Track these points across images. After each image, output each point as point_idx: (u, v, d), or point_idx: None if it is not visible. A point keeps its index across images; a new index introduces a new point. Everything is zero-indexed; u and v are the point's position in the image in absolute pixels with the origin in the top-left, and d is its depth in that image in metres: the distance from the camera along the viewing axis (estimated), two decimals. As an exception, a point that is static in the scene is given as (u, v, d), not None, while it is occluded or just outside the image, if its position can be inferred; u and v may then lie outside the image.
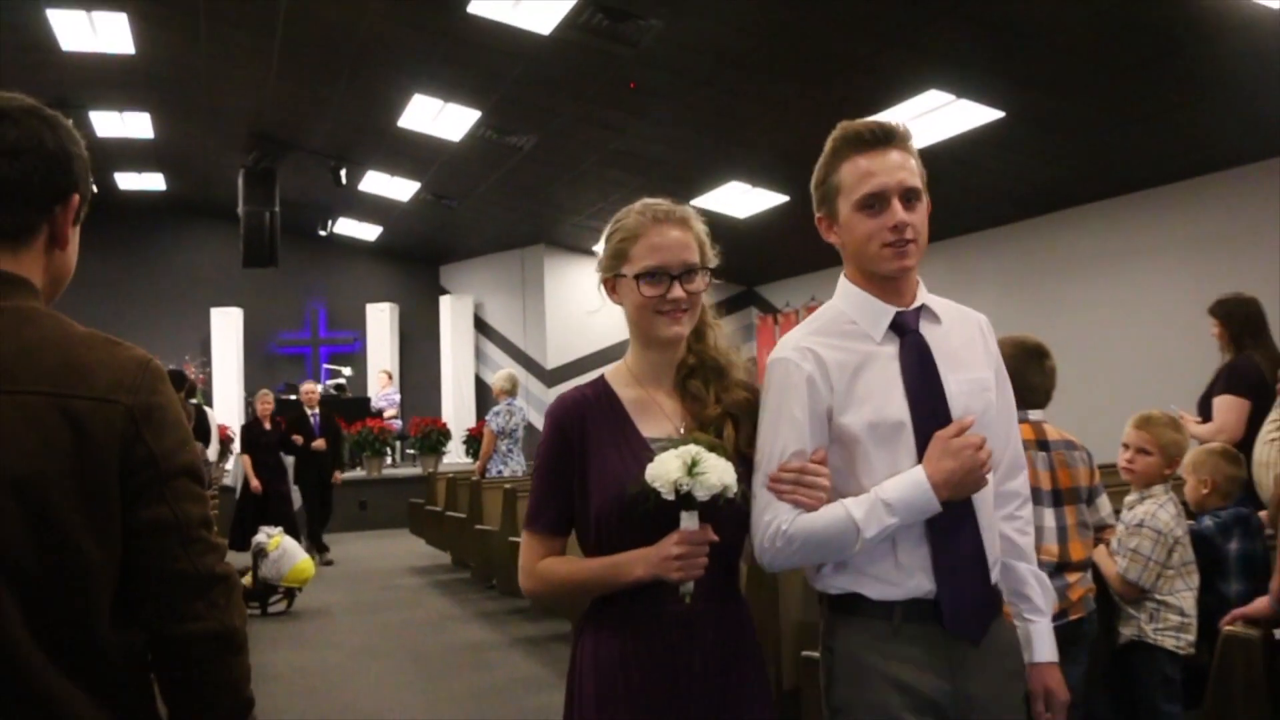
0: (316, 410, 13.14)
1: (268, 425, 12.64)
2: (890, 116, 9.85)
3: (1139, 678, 4.26)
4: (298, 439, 12.73)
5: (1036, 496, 3.95)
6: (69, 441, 1.73)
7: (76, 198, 1.96)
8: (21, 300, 1.83)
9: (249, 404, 18.96)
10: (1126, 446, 4.43)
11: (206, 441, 12.34)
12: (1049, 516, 4.00)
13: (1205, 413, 5.71)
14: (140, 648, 1.85)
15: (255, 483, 12.41)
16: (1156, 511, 4.28)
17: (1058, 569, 3.98)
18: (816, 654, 4.71)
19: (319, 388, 13.80)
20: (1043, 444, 4.10)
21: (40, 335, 1.80)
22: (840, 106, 10.75)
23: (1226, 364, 5.67)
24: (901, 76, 9.97)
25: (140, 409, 1.80)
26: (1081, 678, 4.11)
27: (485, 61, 11.34)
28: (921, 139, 10.90)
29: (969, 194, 12.68)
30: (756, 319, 19.46)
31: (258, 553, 10.27)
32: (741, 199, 14.55)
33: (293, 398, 16.87)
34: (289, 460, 13.08)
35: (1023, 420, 4.08)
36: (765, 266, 18.52)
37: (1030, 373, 4.11)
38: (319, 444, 12.87)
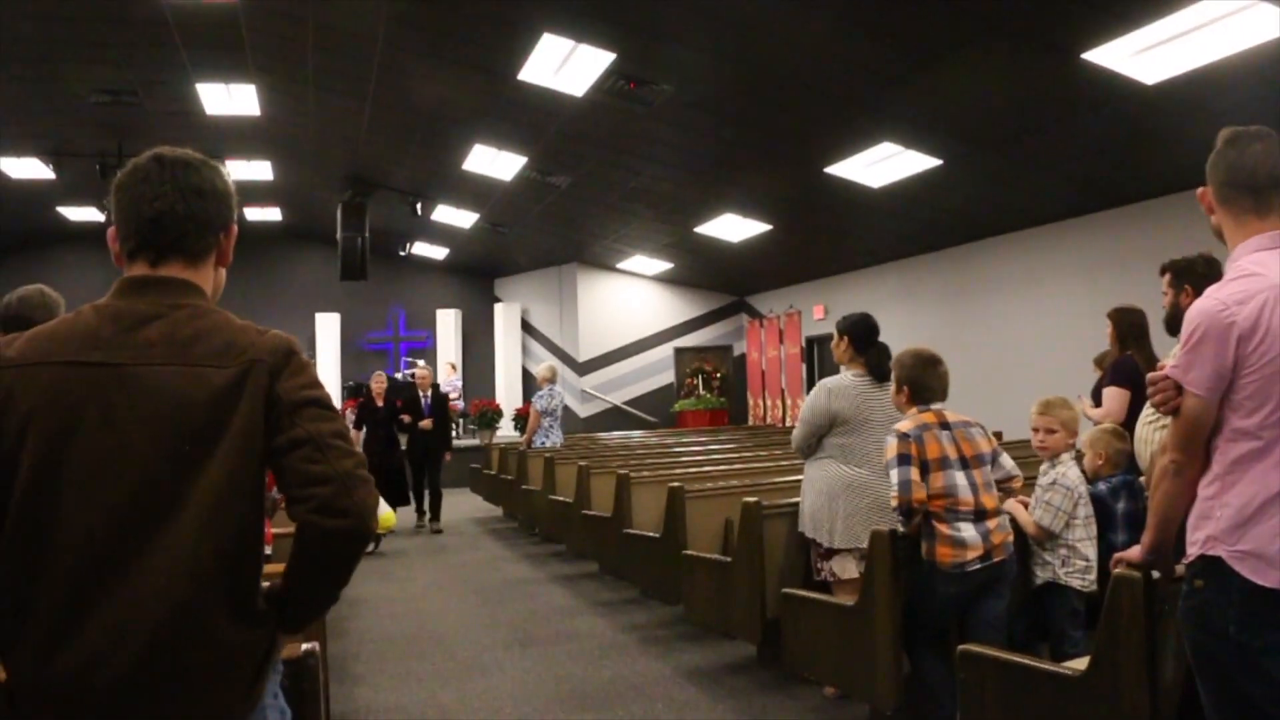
0: (428, 393, 12.00)
1: (380, 403, 11.60)
2: (850, 164, 9.88)
3: (1052, 611, 4.29)
4: (406, 418, 11.65)
5: (948, 463, 4.11)
6: (229, 397, 1.82)
7: (234, 227, 2.06)
8: (196, 300, 1.94)
9: (345, 388, 18.99)
10: (1036, 430, 4.45)
11: None
12: (961, 477, 4.11)
13: (1098, 400, 5.72)
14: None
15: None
16: (1066, 472, 4.36)
17: (976, 517, 4.06)
18: (795, 590, 4.78)
19: (428, 371, 12.62)
20: (944, 424, 4.23)
21: (209, 325, 1.89)
22: (813, 154, 10.76)
23: (1113, 361, 5.67)
24: (860, 132, 9.96)
25: (276, 366, 1.87)
26: (1004, 610, 4.14)
27: (531, 118, 11.33)
28: (877, 180, 10.94)
29: (915, 223, 12.66)
30: (746, 323, 19.42)
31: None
32: (734, 227, 14.53)
33: (411, 379, 16.85)
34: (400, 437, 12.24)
35: (924, 410, 4.26)
36: (752, 281, 18.48)
37: (927, 376, 4.33)
38: (426, 423, 11.73)
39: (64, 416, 1.79)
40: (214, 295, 2.03)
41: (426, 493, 12.00)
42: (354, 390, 17.92)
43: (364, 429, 11.53)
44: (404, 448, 11.71)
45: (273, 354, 1.89)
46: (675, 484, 6.49)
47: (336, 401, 18.54)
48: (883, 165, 10.63)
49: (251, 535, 1.87)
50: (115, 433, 1.78)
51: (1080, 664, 3.17)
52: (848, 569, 4.91)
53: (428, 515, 12.00)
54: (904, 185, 10.94)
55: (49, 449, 1.77)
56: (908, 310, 14.06)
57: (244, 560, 1.85)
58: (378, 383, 11.71)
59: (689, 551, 6.02)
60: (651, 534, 6.77)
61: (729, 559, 5.58)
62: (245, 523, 1.84)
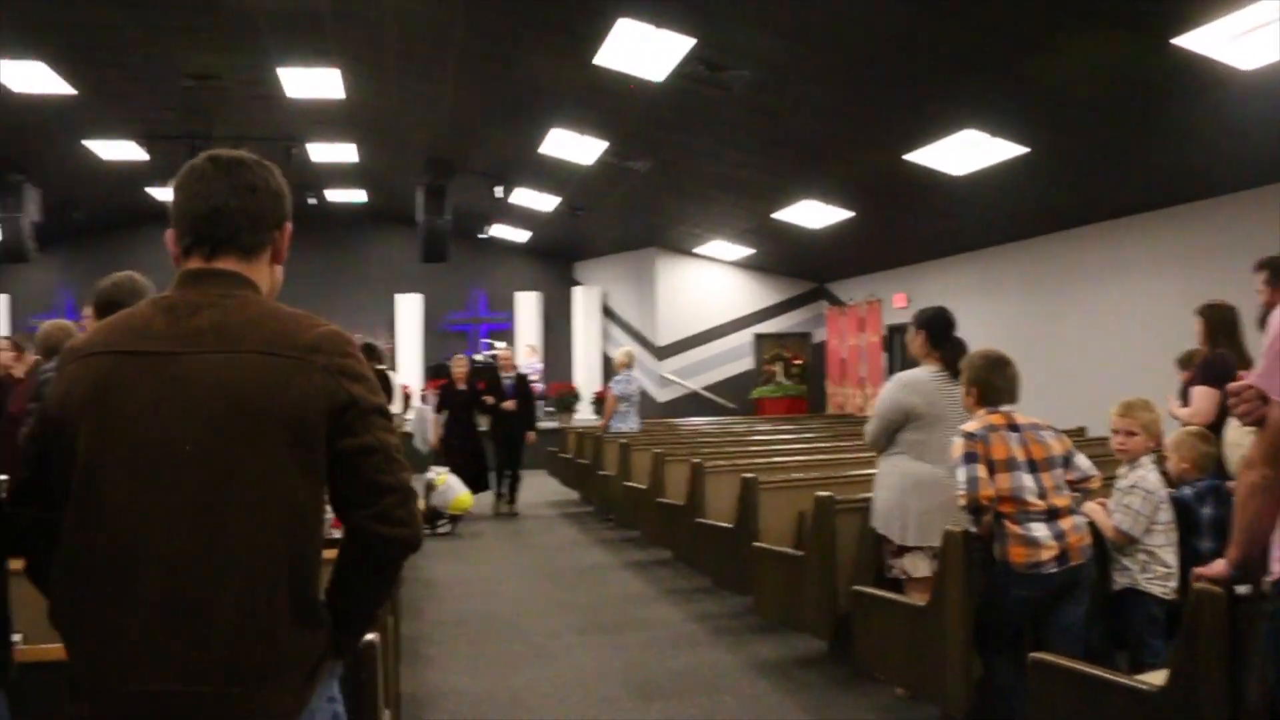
0: (512, 375, 11.80)
1: (462, 386, 11.40)
2: (932, 151, 9.68)
3: (1131, 618, 4.18)
4: (489, 399, 11.46)
5: (1015, 464, 4.05)
6: (277, 386, 1.83)
7: (289, 225, 2.09)
8: (249, 292, 1.96)
9: (427, 369, 19.21)
10: (1116, 432, 4.33)
11: (390, 398, 11.99)
12: (1029, 479, 4.04)
13: (1187, 401, 5.53)
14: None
15: (434, 439, 11.48)
16: (1146, 475, 4.24)
17: (1049, 517, 4.00)
18: (866, 588, 4.72)
19: (510, 353, 12.41)
20: (1013, 426, 4.17)
21: (258, 314, 1.91)
22: (894, 140, 10.58)
23: (1203, 359, 5.48)
24: (943, 119, 9.75)
25: (336, 366, 1.88)
26: (1082, 616, 4.05)
27: (611, 103, 11.31)
28: (960, 167, 10.71)
29: (999, 213, 12.38)
30: (825, 310, 19.22)
31: (428, 487, 10.44)
32: (814, 213, 14.35)
33: (488, 361, 17.02)
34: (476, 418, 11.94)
35: (993, 411, 4.20)
36: (833, 267, 18.25)
37: (995, 378, 4.27)
38: (509, 405, 11.47)
39: (115, 405, 1.82)
40: (270, 293, 2.05)
41: (507, 475, 11.86)
42: (436, 370, 18.10)
43: (445, 411, 11.39)
44: (485, 429, 11.63)
45: (331, 350, 1.91)
46: (749, 475, 6.45)
47: (418, 382, 18.88)
48: (966, 153, 10.41)
49: (310, 534, 1.87)
50: (164, 421, 1.80)
51: (1157, 678, 3.07)
52: (920, 567, 4.83)
53: (505, 497, 11.87)
54: (987, 173, 10.70)
55: (100, 438, 1.81)
56: (990, 301, 13.77)
57: (303, 557, 1.85)
58: (458, 365, 11.58)
59: (760, 544, 5.98)
60: (724, 524, 6.75)
61: (800, 553, 5.54)
62: (303, 519, 1.85)
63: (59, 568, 1.83)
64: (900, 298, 16.23)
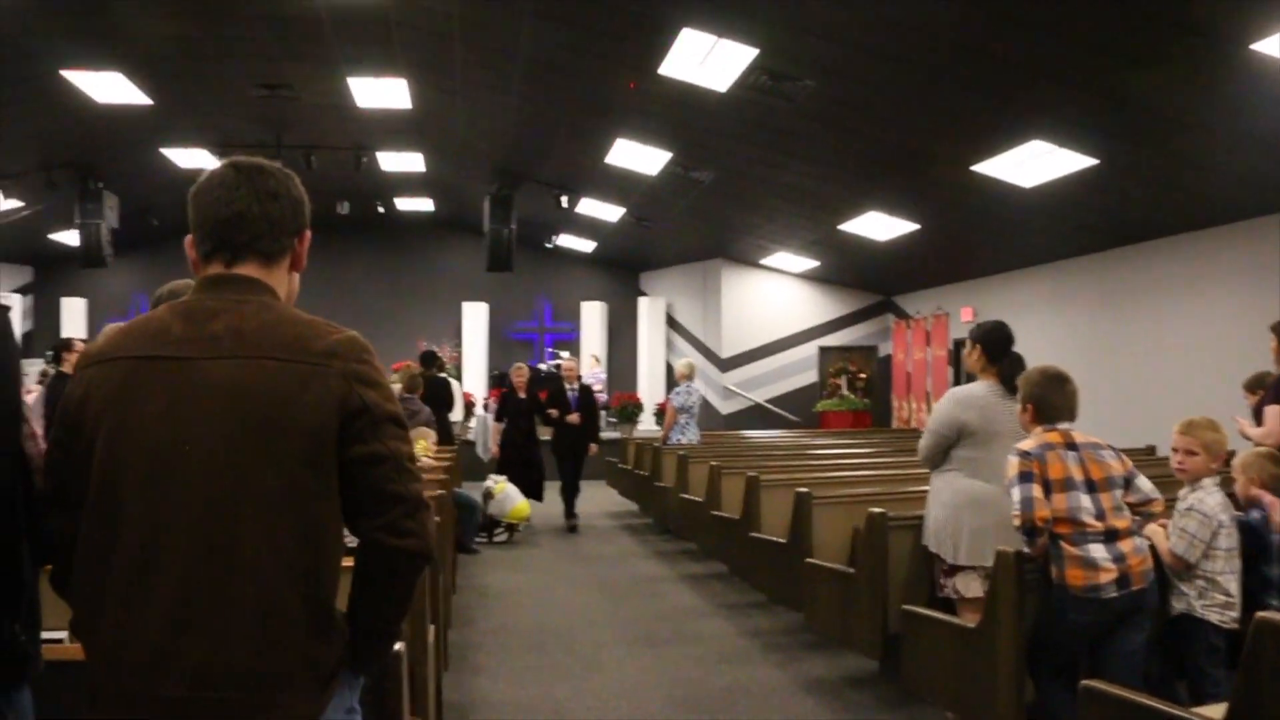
0: (575, 385, 11.50)
1: (522, 394, 11.29)
2: (1000, 162, 9.48)
3: (1189, 645, 4.01)
4: (554, 412, 11.22)
5: (1072, 484, 3.92)
6: (294, 393, 1.82)
7: (308, 233, 2.09)
8: (267, 298, 1.95)
9: (491, 377, 19.35)
10: (1175, 450, 4.17)
11: (451, 406, 11.57)
12: (1086, 499, 3.91)
13: (1259, 421, 5.32)
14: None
15: (494, 449, 11.44)
16: (1204, 498, 4.07)
17: (1107, 538, 3.87)
18: (916, 607, 4.60)
19: (574, 363, 12.09)
20: (1071, 445, 4.05)
21: (275, 319, 1.90)
22: (962, 152, 10.40)
23: (1276, 379, 5.26)
24: (1011, 130, 9.55)
25: (351, 372, 1.88)
26: (1143, 644, 3.90)
27: (675, 113, 11.28)
28: (1028, 179, 10.49)
29: (1069, 225, 12.10)
30: (892, 323, 18.99)
31: (486, 494, 10.47)
32: (880, 225, 14.19)
33: (552, 371, 17.02)
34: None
35: (1049, 429, 4.09)
36: (899, 280, 18.05)
37: (1053, 394, 4.16)
38: (573, 417, 11.24)
39: (132, 411, 1.82)
40: (288, 300, 2.05)
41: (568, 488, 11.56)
42: (499, 379, 18.24)
43: (504, 420, 11.37)
44: (548, 439, 11.52)
45: (347, 356, 1.90)
46: (803, 489, 6.35)
47: (482, 390, 19.00)
48: (1034, 164, 10.20)
49: (326, 541, 1.86)
50: (178, 426, 1.80)
51: (1216, 711, 2.92)
52: (972, 587, 4.71)
53: (567, 512, 11.56)
54: (1056, 185, 10.47)
55: (116, 442, 1.81)
56: (1059, 315, 13.48)
57: (319, 565, 1.83)
58: (518, 375, 11.52)
59: (812, 560, 5.88)
60: (778, 539, 6.66)
61: (851, 570, 5.43)
62: (318, 526, 1.84)
63: (77, 573, 1.83)
64: (967, 311, 15.97)
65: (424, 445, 8.10)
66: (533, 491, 11.12)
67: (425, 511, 1.92)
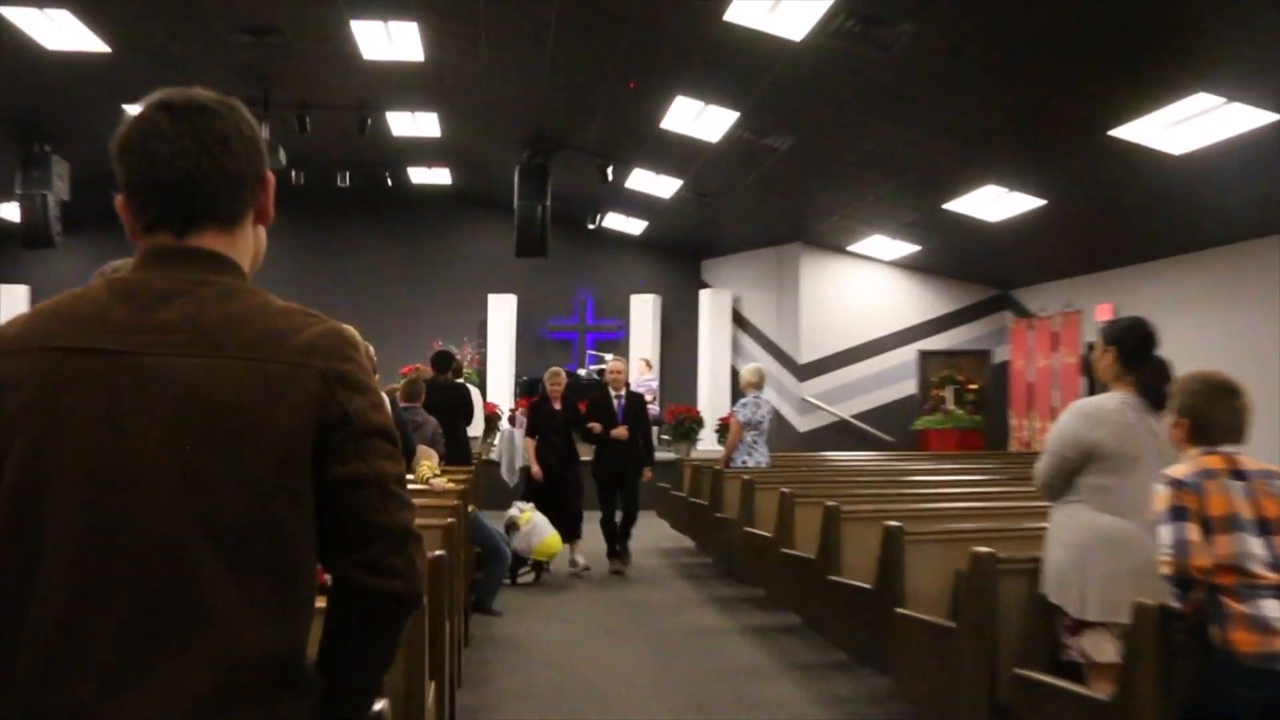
0: (623, 393, 11.23)
1: (557, 405, 11.10)
2: (1146, 124, 9.24)
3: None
4: (595, 427, 11.03)
5: (1238, 523, 3.76)
6: (265, 402, 1.78)
7: (270, 176, 2.02)
8: (228, 278, 1.89)
9: (519, 384, 19.41)
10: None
11: (470, 418, 11.64)
12: (1257, 544, 3.75)
13: None
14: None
15: (536, 469, 11.07)
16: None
17: None
18: (1034, 673, 4.49)
19: (622, 366, 11.76)
20: (1238, 473, 3.87)
21: (243, 308, 1.84)
22: (1099, 112, 10.22)
23: None
24: (1165, 79, 9.34)
25: (333, 373, 1.83)
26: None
27: (742, 65, 11.24)
28: (1183, 144, 10.29)
29: (1239, 201, 11.85)
30: (1010, 323, 18.81)
31: (509, 526, 10.46)
32: (995, 203, 14.06)
33: (593, 378, 17.03)
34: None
35: (1209, 452, 3.93)
36: (1019, 270, 17.90)
37: (1217, 409, 3.99)
38: (619, 432, 10.95)
39: (57, 417, 1.75)
40: (254, 262, 2.01)
41: (619, 520, 11.30)
42: (529, 387, 18.27)
43: (535, 436, 11.18)
44: (588, 460, 11.35)
45: (328, 353, 1.85)
46: (894, 523, 6.25)
47: (508, 400, 19.06)
48: (1191, 126, 10.00)
49: (300, 581, 1.83)
50: (121, 440, 1.74)
51: None
52: (1104, 650, 4.58)
53: (616, 551, 11.34)
54: (1221, 151, 10.25)
55: (37, 458, 1.74)
56: (1224, 313, 13.21)
57: (292, 612, 1.81)
58: (554, 382, 11.31)
59: (904, 611, 5.79)
60: (862, 585, 6.60)
61: (952, 624, 5.34)
62: (292, 563, 1.81)
63: None
64: (1105, 309, 15.74)
65: (429, 466, 8.10)
66: (569, 526, 10.95)
67: (415, 546, 1.88)
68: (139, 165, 1.91)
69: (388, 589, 1.84)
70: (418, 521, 1.94)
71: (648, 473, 11.36)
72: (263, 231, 2.04)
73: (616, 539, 11.28)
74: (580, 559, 11.16)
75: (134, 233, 1.95)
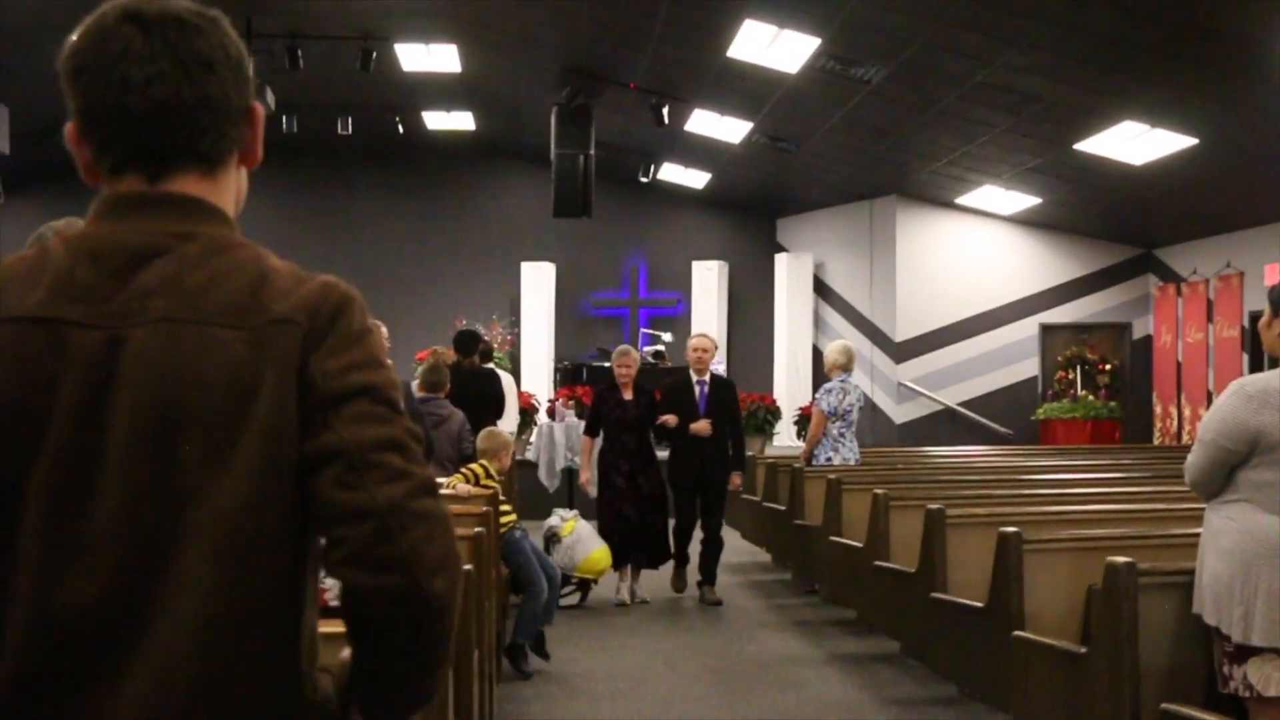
0: (706, 378, 10.71)
1: (628, 395, 10.49)
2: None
3: None
4: (669, 420, 10.42)
5: None
6: (250, 372, 1.76)
7: (259, 107, 1.99)
8: (214, 229, 1.87)
9: (559, 370, 19.43)
10: None
11: (501, 411, 11.54)
12: None
13: None
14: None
15: (585, 475, 10.96)
16: None
17: None
18: (1185, 709, 4.43)
19: (709, 344, 11.11)
20: None
21: (232, 263, 1.83)
22: (1267, 26, 10.05)
23: None
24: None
25: (316, 331, 1.81)
26: None
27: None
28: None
29: None
30: (1154, 289, 18.67)
31: (550, 537, 10.47)
32: (1136, 143, 13.95)
33: (650, 362, 16.91)
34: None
35: None
36: (1167, 225, 17.74)
37: None
38: (701, 427, 10.39)
39: (20, 403, 1.76)
40: (237, 204, 1.99)
41: (700, 538, 10.78)
42: (570, 375, 18.28)
43: (598, 434, 10.76)
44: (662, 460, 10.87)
45: (311, 311, 1.82)
46: (1010, 528, 6.22)
47: (545, 389, 19.09)
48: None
49: (300, 586, 1.84)
50: (94, 429, 1.74)
51: None
52: (1273, 681, 4.52)
53: (700, 577, 10.79)
54: None
55: None
56: None
57: (291, 624, 1.82)
58: (624, 364, 10.68)
59: (1023, 634, 5.75)
60: (973, 603, 6.57)
61: (1083, 649, 5.29)
62: (289, 566, 1.81)
63: None
64: (1274, 269, 15.60)
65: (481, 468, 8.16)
66: (658, 549, 10.55)
67: (419, 527, 1.78)
68: (101, 91, 1.86)
69: (381, 588, 1.75)
70: None
71: (736, 479, 10.93)
72: (244, 173, 2.02)
73: (701, 568, 10.76)
74: (638, 588, 10.70)
75: (92, 174, 1.92)
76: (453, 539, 1.82)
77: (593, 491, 10.84)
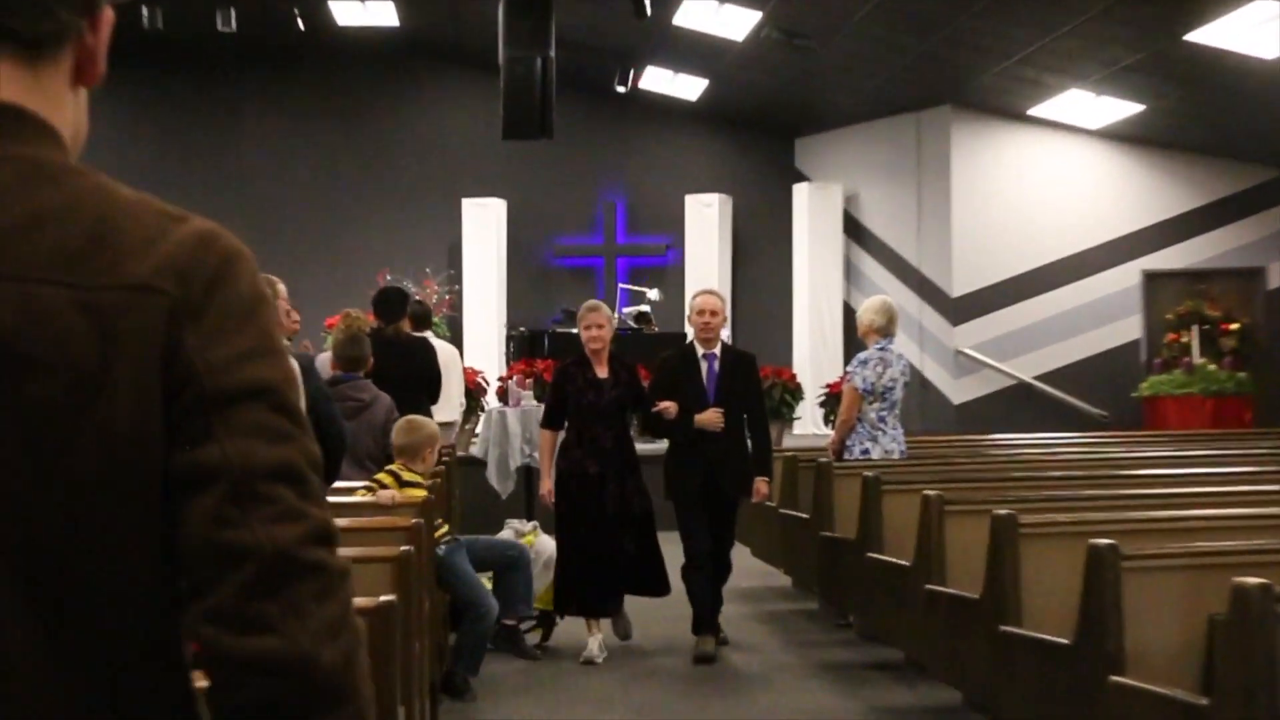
0: (716, 351, 10.15)
1: (601, 370, 10.05)
2: None
3: None
4: (668, 408, 9.86)
5: None
6: (92, 352, 1.72)
7: (110, 11, 1.95)
8: (39, 148, 1.82)
9: (513, 340, 19.40)
10: None
11: (436, 394, 11.45)
12: None
13: None
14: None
15: (547, 485, 10.21)
16: None
17: None
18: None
19: (719, 304, 10.39)
20: None
21: (65, 200, 1.78)
22: None
23: None
24: None
25: (190, 303, 1.77)
26: None
27: None
28: None
29: None
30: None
31: (503, 557, 10.45)
32: (1268, 29, 13.93)
33: (632, 327, 16.91)
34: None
35: None
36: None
37: None
38: (710, 418, 9.88)
39: None
40: (75, 141, 1.94)
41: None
42: (527, 345, 18.22)
43: (561, 426, 10.33)
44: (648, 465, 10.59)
45: (181, 275, 1.77)
46: (1104, 540, 6.16)
47: (495, 364, 19.04)
48: None
49: (134, 633, 1.80)
50: None
51: None
52: None
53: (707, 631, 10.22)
54: None
55: None
56: None
57: (132, 675, 1.79)
58: (593, 325, 10.19)
59: (1123, 679, 5.69)
60: (1056, 639, 6.54)
61: (1204, 700, 5.25)
62: (119, 605, 1.77)
63: None
64: None
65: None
66: (648, 579, 10.21)
67: (306, 580, 1.76)
68: None
69: (252, 656, 1.72)
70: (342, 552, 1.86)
71: (762, 487, 10.45)
72: (84, 96, 1.97)
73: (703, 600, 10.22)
74: (595, 647, 10.03)
75: None
76: (350, 604, 1.80)
77: (548, 496, 10.29)
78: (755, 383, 10.75)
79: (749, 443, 10.41)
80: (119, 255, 1.74)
